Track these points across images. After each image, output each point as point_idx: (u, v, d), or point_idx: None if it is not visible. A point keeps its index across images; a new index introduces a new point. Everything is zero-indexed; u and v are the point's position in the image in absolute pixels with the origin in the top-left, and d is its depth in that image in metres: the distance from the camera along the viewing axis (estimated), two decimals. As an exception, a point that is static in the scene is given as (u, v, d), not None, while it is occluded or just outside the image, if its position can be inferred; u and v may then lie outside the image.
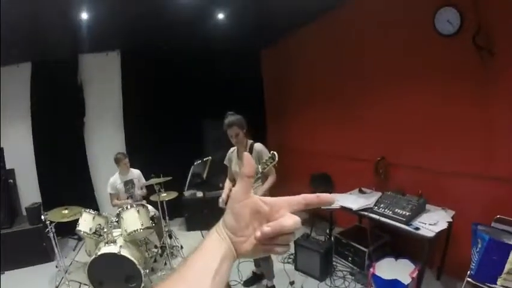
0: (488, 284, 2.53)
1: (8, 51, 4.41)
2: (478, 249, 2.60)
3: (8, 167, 5.08)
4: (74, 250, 4.93)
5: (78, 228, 3.66)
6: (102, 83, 5.75)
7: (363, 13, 3.96)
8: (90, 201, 5.16)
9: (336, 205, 3.46)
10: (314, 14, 4.51)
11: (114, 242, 3.49)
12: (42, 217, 3.65)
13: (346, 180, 4.30)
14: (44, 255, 4.62)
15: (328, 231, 4.14)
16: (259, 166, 2.79)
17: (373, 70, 3.98)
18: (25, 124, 5.42)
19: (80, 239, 5.14)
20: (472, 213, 2.94)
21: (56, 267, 4.27)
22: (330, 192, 3.80)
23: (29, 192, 5.40)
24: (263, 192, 3.04)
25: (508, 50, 2.63)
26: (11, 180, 5.19)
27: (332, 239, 3.98)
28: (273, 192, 5.90)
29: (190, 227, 5.39)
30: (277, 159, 2.73)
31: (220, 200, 3.22)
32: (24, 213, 5.04)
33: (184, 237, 4.99)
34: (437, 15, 3.01)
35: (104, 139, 5.82)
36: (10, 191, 5.05)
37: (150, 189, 4.38)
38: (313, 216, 4.64)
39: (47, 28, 4.04)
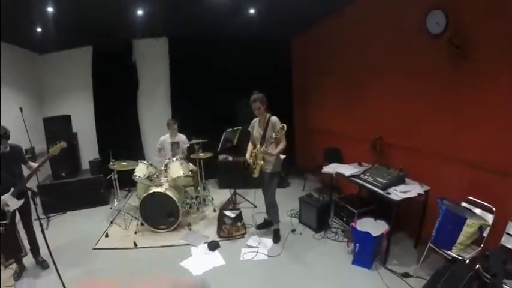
0: (444, 250, 2.99)
1: (72, 36, 5.39)
2: (439, 219, 3.04)
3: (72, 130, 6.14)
4: (124, 198, 6.09)
5: (135, 174, 4.75)
6: (153, 63, 6.71)
7: (369, 10, 4.47)
8: (141, 159, 5.65)
9: (333, 171, 4.26)
10: (334, 6, 5.00)
11: (161, 185, 4.57)
12: (111, 163, 4.68)
13: (352, 154, 5.02)
14: (101, 199, 5.78)
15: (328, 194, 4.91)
16: (273, 133, 3.61)
17: (374, 63, 4.51)
18: (87, 95, 6.58)
19: (129, 190, 6.39)
20: (448, 192, 3.27)
21: (111, 208, 5.44)
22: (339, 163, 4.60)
23: (88, 150, 6.64)
24: (275, 154, 3.79)
25: (480, 49, 2.96)
26: (75, 142, 6.31)
27: (331, 201, 4.73)
28: (296, 160, 6.75)
29: (222, 185, 6.41)
30: (285, 129, 3.54)
31: (245, 158, 4.10)
32: (83, 167, 6.35)
33: (216, 193, 6.00)
34: (429, 16, 3.38)
35: (154, 109, 6.89)
36: (74, 150, 6.15)
37: (191, 149, 5.35)
38: (324, 184, 5.45)
39: (105, 16, 4.69)
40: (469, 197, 3.15)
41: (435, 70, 3.53)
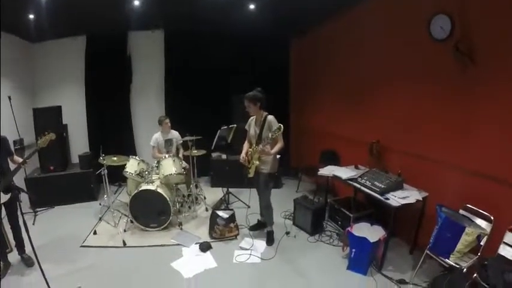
0: (442, 258, 2.97)
1: (66, 24, 5.21)
2: (437, 226, 3.03)
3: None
4: (114, 193, 5.98)
5: (125, 170, 4.62)
6: (148, 56, 6.55)
7: (371, 14, 4.44)
8: (132, 154, 5.51)
9: (330, 174, 4.19)
10: (336, 9, 4.97)
11: (152, 182, 4.46)
12: (101, 158, 4.52)
13: (348, 157, 4.96)
14: (90, 195, 5.66)
15: (324, 196, 4.83)
16: (269, 133, 3.52)
17: (375, 67, 4.46)
18: (79, 87, 6.40)
19: (120, 185, 6.27)
20: (447, 199, 3.23)
21: (100, 204, 5.31)
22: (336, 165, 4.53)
23: (78, 144, 6.46)
24: (272, 154, 3.71)
25: (486, 55, 2.93)
26: (65, 134, 6.14)
27: (327, 204, 4.66)
28: (291, 160, 6.70)
29: (214, 184, 6.31)
30: (282, 130, 3.45)
31: (241, 156, 3.98)
32: (73, 161, 6.20)
33: (209, 192, 5.90)
34: (433, 21, 3.35)
35: (147, 104, 6.74)
36: (64, 143, 5.96)
37: (184, 146, 5.26)
38: (318, 186, 5.39)
39: (101, 6, 4.55)
40: (468, 205, 3.13)
41: (438, 75, 3.49)
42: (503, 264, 2.60)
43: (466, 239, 2.81)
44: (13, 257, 3.69)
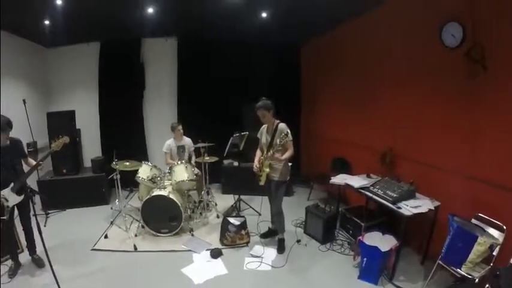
0: (454, 268, 2.94)
1: (80, 30, 5.32)
2: (449, 236, 2.99)
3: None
4: (126, 198, 6.02)
5: (137, 175, 4.67)
6: (161, 63, 6.65)
7: (383, 20, 4.45)
8: (143, 159, 5.58)
9: (342, 182, 4.18)
10: (345, 16, 5.03)
11: (165, 188, 4.48)
12: (114, 162, 4.55)
13: (360, 165, 4.95)
14: (102, 199, 5.72)
15: (335, 205, 4.78)
16: (278, 140, 3.56)
17: (386, 74, 4.46)
18: (93, 92, 6.51)
19: (131, 190, 6.34)
20: (458, 208, 3.20)
21: (111, 208, 5.35)
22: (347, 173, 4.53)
23: (91, 148, 6.53)
24: (282, 160, 3.72)
25: (498, 66, 2.91)
26: (78, 138, 6.22)
27: (338, 212, 4.62)
28: (302, 168, 6.67)
29: (225, 190, 6.31)
30: (290, 137, 3.53)
31: (254, 165, 4.02)
32: (85, 165, 6.27)
33: (220, 199, 5.90)
34: (444, 29, 3.36)
35: (159, 110, 6.81)
36: (77, 147, 6.05)
37: (196, 153, 5.29)
38: (330, 194, 5.36)
39: (115, 13, 4.65)
40: (479, 214, 3.11)
41: (449, 83, 3.48)
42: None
43: (479, 248, 2.77)
44: (24, 257, 3.74)
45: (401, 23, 4.10)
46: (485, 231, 2.93)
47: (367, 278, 3.45)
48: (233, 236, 4.18)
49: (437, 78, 3.62)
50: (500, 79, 2.93)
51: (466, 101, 3.29)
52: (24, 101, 5.05)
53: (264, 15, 4.88)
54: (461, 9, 3.21)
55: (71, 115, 5.69)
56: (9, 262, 3.59)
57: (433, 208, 3.44)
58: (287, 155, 3.70)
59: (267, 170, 3.78)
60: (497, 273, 2.54)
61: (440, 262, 3.08)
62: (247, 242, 4.26)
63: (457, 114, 3.42)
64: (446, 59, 3.42)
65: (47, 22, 4.80)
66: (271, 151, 3.67)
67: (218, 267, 3.73)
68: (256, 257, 3.94)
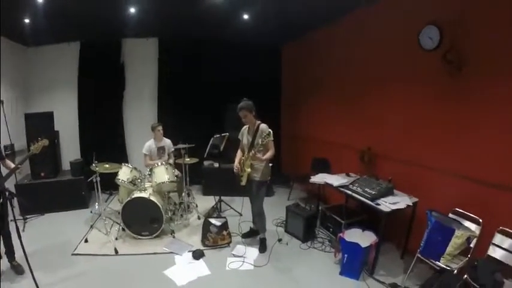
0: (433, 261, 3.04)
1: (61, 30, 5.22)
2: (427, 230, 3.10)
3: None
4: (106, 201, 5.90)
5: (118, 177, 4.58)
6: (141, 64, 6.59)
7: (362, 22, 4.57)
8: (123, 161, 5.45)
9: (322, 181, 4.25)
10: (327, 18, 5.11)
11: (145, 190, 4.43)
12: (93, 165, 4.44)
13: (339, 164, 5.04)
14: (81, 202, 5.59)
15: (315, 204, 4.86)
16: (260, 140, 3.58)
17: (367, 74, 4.56)
18: (72, 93, 6.37)
19: (111, 193, 6.22)
20: (436, 203, 3.31)
21: (91, 212, 5.26)
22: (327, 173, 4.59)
23: (70, 151, 6.40)
24: (264, 160, 3.76)
25: (474, 64, 3.04)
26: (56, 140, 6.05)
27: (319, 211, 4.69)
28: (282, 168, 6.73)
29: (206, 192, 6.28)
30: (271, 137, 3.54)
31: (234, 166, 4.02)
32: (64, 168, 6.12)
33: (201, 200, 5.86)
34: (423, 31, 3.47)
35: (140, 111, 6.73)
36: (55, 149, 5.87)
37: (176, 154, 5.24)
38: (310, 193, 5.43)
39: (96, 13, 4.59)
40: (456, 209, 3.22)
41: (427, 83, 3.59)
42: (493, 264, 2.69)
43: (456, 241, 2.88)
44: (2, 264, 3.58)
45: (381, 25, 4.21)
46: (462, 224, 3.06)
47: (348, 274, 3.51)
48: (215, 237, 4.17)
49: (417, 78, 3.73)
50: (476, 79, 3.06)
51: (444, 101, 3.41)
52: (1, 101, 4.90)
53: (245, 15, 4.90)
54: (438, 12, 3.33)
55: (49, 116, 5.55)
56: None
57: (411, 204, 3.54)
58: (269, 154, 3.73)
59: (248, 170, 3.81)
60: (475, 264, 2.71)
61: (419, 255, 3.18)
62: (229, 243, 4.26)
63: (434, 113, 3.54)
64: (425, 60, 3.53)
65: (27, 21, 4.68)
66: (252, 151, 3.69)
67: (201, 268, 3.71)
68: (239, 256, 3.95)
